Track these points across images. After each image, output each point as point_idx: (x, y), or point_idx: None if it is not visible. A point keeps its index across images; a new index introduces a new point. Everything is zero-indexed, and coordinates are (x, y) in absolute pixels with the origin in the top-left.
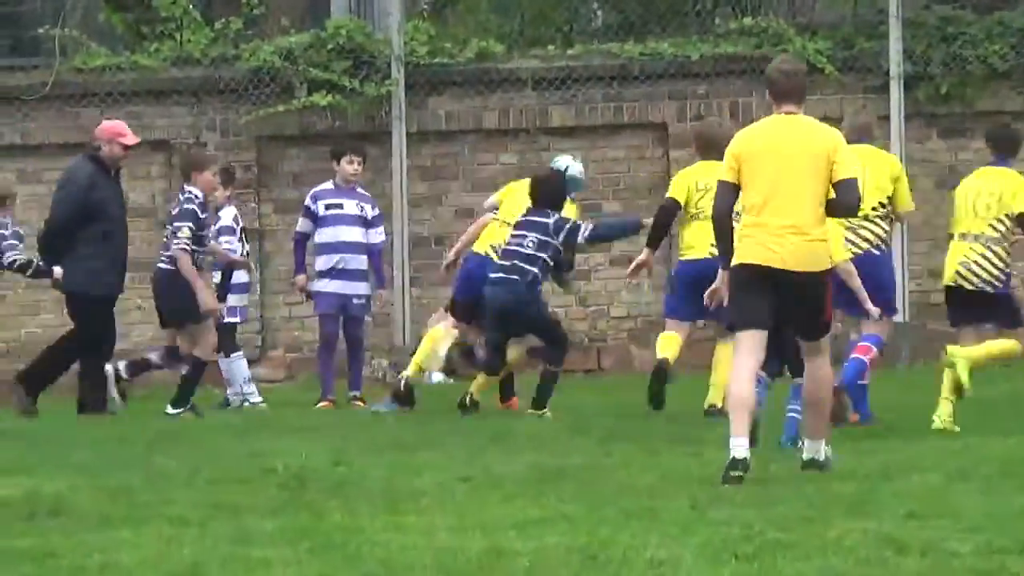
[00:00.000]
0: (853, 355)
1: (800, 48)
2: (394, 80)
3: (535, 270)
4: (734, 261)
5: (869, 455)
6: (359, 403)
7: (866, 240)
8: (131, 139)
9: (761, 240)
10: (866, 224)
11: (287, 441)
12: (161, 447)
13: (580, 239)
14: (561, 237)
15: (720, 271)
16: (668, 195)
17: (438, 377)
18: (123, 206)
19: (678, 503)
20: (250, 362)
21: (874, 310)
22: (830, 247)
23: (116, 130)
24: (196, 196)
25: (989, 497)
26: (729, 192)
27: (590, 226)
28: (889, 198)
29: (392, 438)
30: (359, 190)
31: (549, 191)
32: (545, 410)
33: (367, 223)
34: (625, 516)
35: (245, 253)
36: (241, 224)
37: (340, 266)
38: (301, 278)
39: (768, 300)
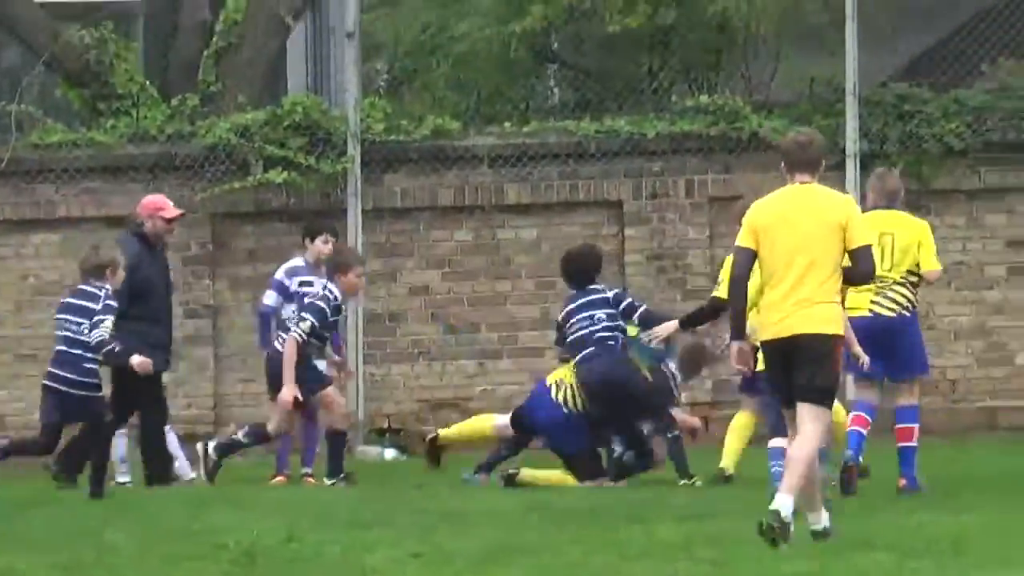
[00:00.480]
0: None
1: (756, 126)
2: (350, 157)
3: (616, 338)
4: (764, 337)
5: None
6: (310, 480)
7: (896, 303)
8: (171, 212)
9: (774, 317)
10: (896, 287)
11: (239, 516)
12: (112, 520)
13: (634, 318)
14: (620, 308)
15: (732, 342)
16: None
17: (391, 453)
18: (169, 281)
19: None
20: (203, 437)
21: (865, 357)
22: (841, 315)
23: (156, 205)
24: (335, 296)
25: (942, 575)
26: (748, 259)
27: (642, 306)
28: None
29: (345, 514)
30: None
31: (586, 265)
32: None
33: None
34: None
35: None
36: None
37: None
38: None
39: (787, 372)
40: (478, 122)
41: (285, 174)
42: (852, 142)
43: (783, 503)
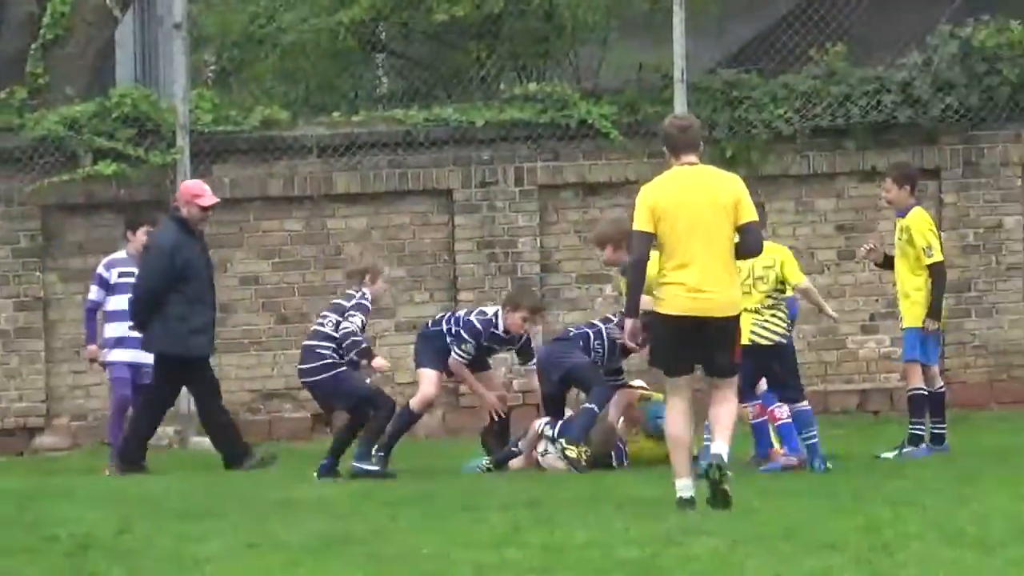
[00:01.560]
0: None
1: (585, 113)
2: (179, 148)
3: None
4: (661, 310)
5: (653, 520)
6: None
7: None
8: (207, 200)
9: (681, 292)
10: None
11: (72, 509)
12: None
13: None
14: None
15: (627, 319)
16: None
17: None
18: (208, 266)
19: (462, 568)
20: (35, 431)
21: (833, 313)
22: (739, 292)
23: (192, 192)
24: (368, 300)
25: (772, 560)
26: (648, 241)
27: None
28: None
29: (178, 506)
30: None
31: None
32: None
33: None
34: None
35: None
36: None
37: (132, 334)
38: (92, 348)
39: (691, 348)
40: (307, 112)
41: (114, 166)
42: None
43: (722, 448)
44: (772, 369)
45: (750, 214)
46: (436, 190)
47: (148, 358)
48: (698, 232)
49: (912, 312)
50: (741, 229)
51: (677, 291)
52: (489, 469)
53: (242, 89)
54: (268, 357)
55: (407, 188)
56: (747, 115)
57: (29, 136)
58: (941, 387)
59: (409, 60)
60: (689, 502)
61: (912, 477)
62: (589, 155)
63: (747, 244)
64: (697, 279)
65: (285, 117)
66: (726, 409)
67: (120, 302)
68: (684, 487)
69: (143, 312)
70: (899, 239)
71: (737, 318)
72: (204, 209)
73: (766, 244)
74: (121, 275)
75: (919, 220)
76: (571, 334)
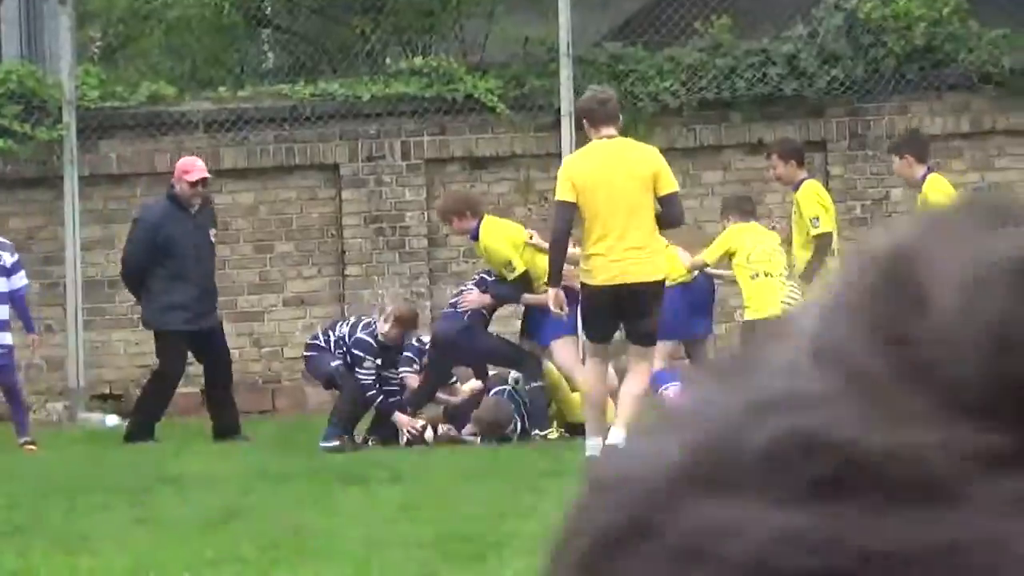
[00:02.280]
0: None
1: (471, 87)
2: (65, 124)
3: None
4: (588, 281)
5: (544, 493)
6: (31, 447)
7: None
8: (195, 175)
9: (604, 262)
10: None
11: None
12: None
13: None
14: None
15: (551, 289)
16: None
17: (113, 420)
18: (202, 242)
19: (353, 543)
20: None
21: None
22: (663, 259)
23: (183, 167)
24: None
25: None
26: (570, 212)
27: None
28: None
29: (66, 482)
30: None
31: None
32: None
33: (7, 271)
34: (300, 557)
35: None
36: None
37: None
38: None
39: (615, 317)
40: (194, 88)
41: (1, 142)
42: (567, 102)
43: (618, 436)
44: None
45: (670, 185)
46: (323, 164)
47: (3, 339)
48: (619, 204)
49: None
50: (662, 200)
51: (600, 262)
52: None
53: (128, 65)
54: None
55: (294, 163)
56: (633, 88)
57: None
58: None
59: (295, 35)
60: None
61: None
62: (475, 129)
63: (670, 215)
64: (619, 249)
65: (171, 92)
66: (634, 387)
67: None
68: (594, 446)
69: (130, 286)
70: (794, 213)
71: (658, 285)
72: (193, 184)
73: None
74: None
75: (808, 193)
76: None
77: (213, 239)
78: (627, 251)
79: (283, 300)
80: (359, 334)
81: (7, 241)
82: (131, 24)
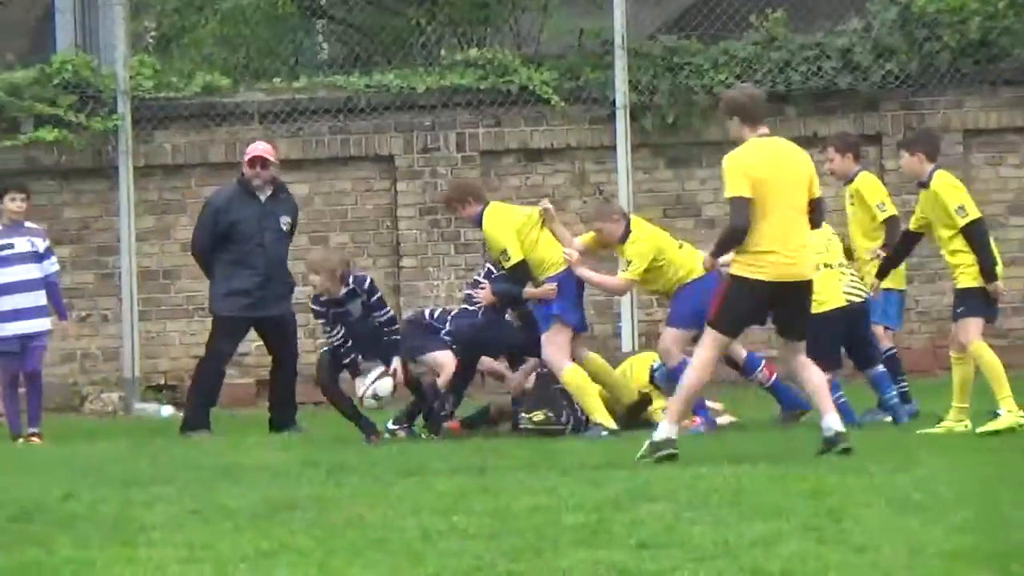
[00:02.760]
0: None
1: (526, 79)
2: (120, 115)
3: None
4: (759, 277)
5: (599, 485)
6: (35, 439)
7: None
8: (249, 154)
9: (780, 259)
10: None
11: (15, 476)
12: None
13: None
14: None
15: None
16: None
17: (168, 410)
18: (270, 229)
19: (409, 534)
20: None
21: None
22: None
23: (248, 152)
24: None
25: (718, 526)
26: (749, 207)
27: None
28: None
29: (122, 472)
30: (27, 225)
31: None
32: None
33: (39, 257)
34: (355, 548)
35: None
36: None
37: (21, 306)
38: None
39: (765, 313)
40: (248, 79)
41: (56, 132)
42: (621, 94)
43: (837, 421)
44: (859, 328)
45: (818, 189)
46: (378, 156)
47: (38, 326)
48: (790, 201)
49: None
50: (812, 203)
51: (775, 258)
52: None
53: (183, 55)
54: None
55: (349, 154)
56: (688, 81)
57: None
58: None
59: (350, 26)
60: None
61: (857, 442)
62: (530, 121)
63: (817, 219)
64: (792, 247)
65: (226, 83)
66: (818, 376)
67: (4, 275)
68: (670, 431)
69: (202, 268)
70: (850, 204)
71: (811, 284)
72: (251, 165)
73: None
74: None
75: (868, 181)
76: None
77: (285, 227)
78: (796, 248)
79: None
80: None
81: (38, 227)
82: (185, 14)
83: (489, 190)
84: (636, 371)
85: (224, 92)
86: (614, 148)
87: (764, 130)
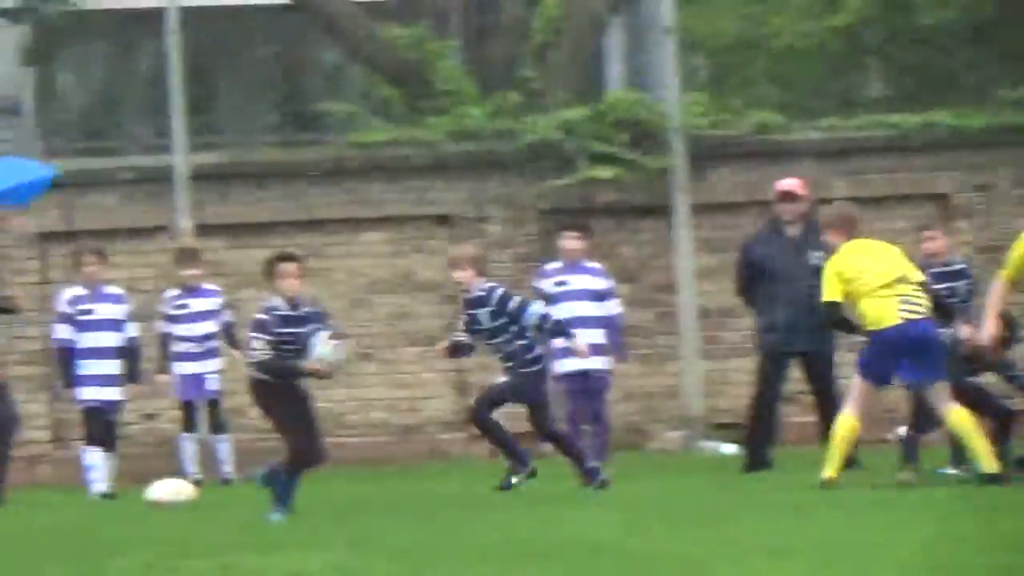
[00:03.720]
0: None
1: None
2: (676, 152)
3: None
4: None
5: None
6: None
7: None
8: (776, 188)
9: None
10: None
11: (581, 512)
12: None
13: None
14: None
15: None
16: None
17: (730, 448)
18: (797, 264)
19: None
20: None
21: None
22: None
23: (775, 188)
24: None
25: None
26: None
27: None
28: None
29: (688, 510)
30: (586, 264)
31: None
32: None
33: (599, 296)
34: None
35: None
36: None
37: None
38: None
39: None
40: (800, 116)
41: (612, 170)
42: None
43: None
44: None
45: None
46: (931, 194)
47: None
48: None
49: None
50: None
51: None
52: None
53: (732, 93)
54: None
55: (903, 192)
56: None
57: (524, 140)
58: None
59: (898, 64)
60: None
61: None
62: None
63: None
64: None
65: (780, 121)
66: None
67: (563, 310)
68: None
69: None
70: None
71: None
72: (780, 200)
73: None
74: (557, 284)
75: None
76: None
77: (817, 261)
78: None
79: None
80: None
81: (598, 267)
82: (735, 53)
83: None
84: None
85: (778, 130)
86: None
87: None
